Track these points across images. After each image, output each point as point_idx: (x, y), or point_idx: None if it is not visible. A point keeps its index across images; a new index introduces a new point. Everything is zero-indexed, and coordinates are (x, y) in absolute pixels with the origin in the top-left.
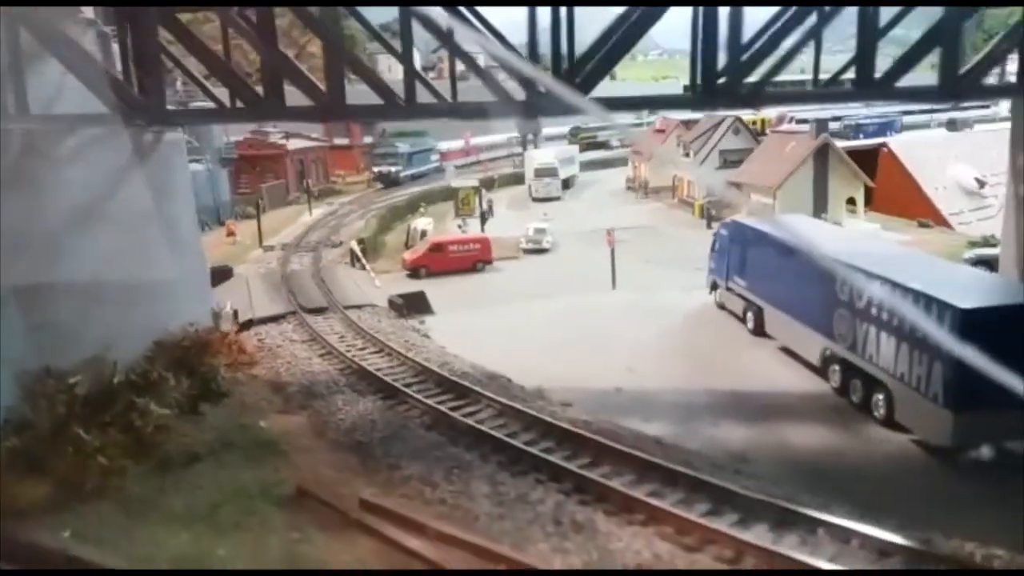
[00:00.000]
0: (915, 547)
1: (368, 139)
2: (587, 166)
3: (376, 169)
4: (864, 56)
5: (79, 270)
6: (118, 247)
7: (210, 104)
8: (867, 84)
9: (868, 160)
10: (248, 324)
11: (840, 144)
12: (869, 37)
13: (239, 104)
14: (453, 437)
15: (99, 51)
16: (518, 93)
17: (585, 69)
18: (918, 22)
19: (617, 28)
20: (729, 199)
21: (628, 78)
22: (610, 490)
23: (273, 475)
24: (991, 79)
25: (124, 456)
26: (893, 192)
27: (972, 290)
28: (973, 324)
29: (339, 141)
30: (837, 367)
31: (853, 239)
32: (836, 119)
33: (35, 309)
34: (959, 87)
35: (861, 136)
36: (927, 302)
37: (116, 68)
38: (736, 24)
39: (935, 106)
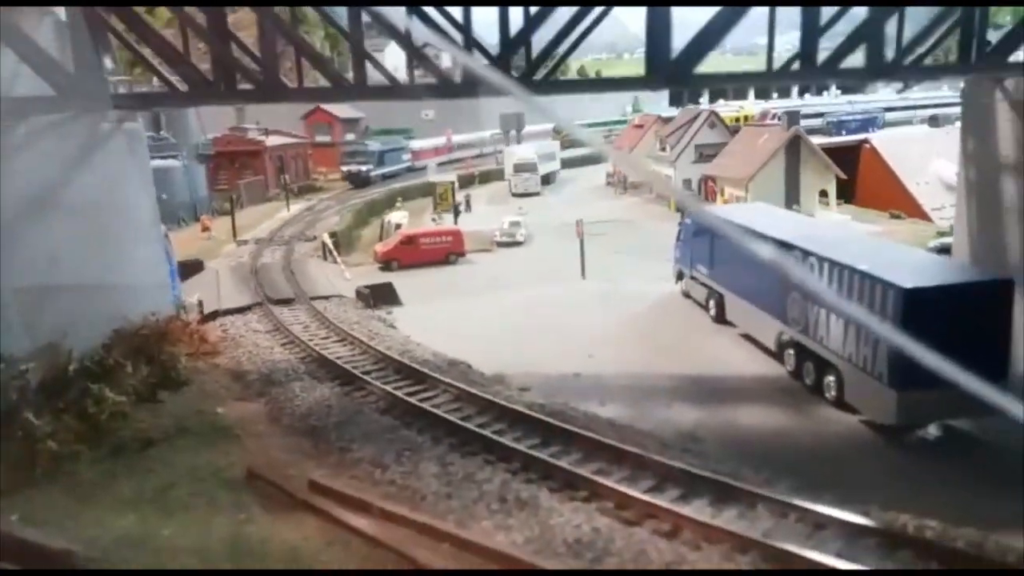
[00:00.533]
0: (848, 520)
1: (350, 136)
2: (569, 163)
3: (345, 168)
4: (807, 48)
5: (33, 258)
6: (74, 236)
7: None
8: (809, 69)
9: (850, 156)
10: (214, 315)
11: (822, 141)
12: (811, 33)
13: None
14: (407, 421)
15: (55, 39)
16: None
17: (543, 64)
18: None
19: (570, 28)
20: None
21: (615, 76)
22: (555, 468)
23: (224, 459)
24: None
25: (78, 442)
26: (875, 187)
27: (917, 271)
28: (916, 303)
29: (320, 139)
30: (791, 351)
31: (809, 225)
32: (819, 115)
33: None
34: (883, 69)
35: (843, 132)
36: (872, 282)
37: (70, 56)
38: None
39: (917, 102)
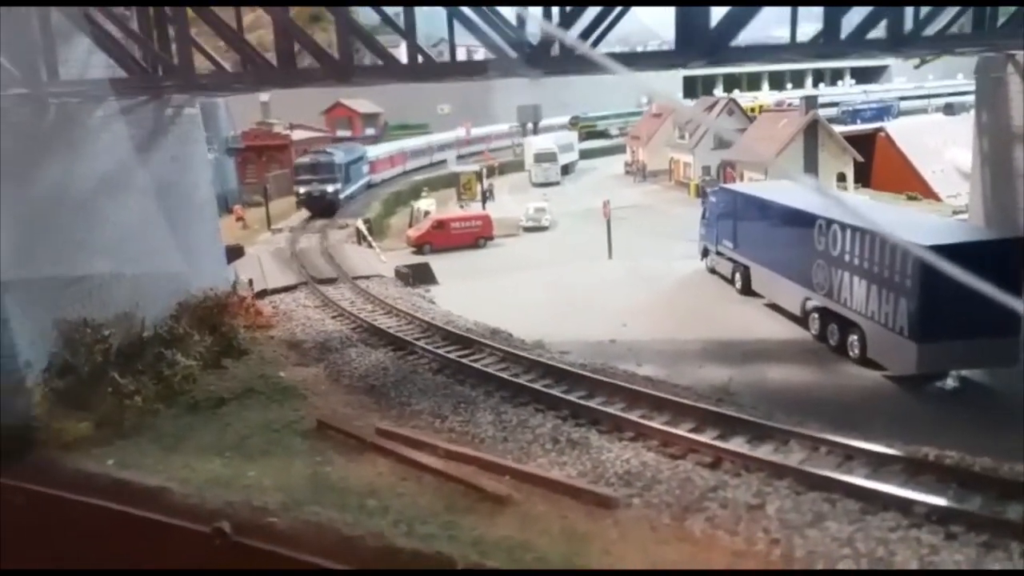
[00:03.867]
0: (874, 450)
1: (370, 131)
2: (586, 154)
3: (303, 191)
4: (830, 25)
5: (109, 232)
6: (143, 213)
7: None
8: (834, 43)
9: (865, 145)
10: (262, 293)
11: (838, 129)
12: (834, 12)
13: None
14: (459, 379)
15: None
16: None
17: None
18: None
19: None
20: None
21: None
22: (602, 414)
23: (294, 414)
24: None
25: (156, 400)
26: (891, 175)
27: (934, 231)
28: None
29: (341, 133)
30: (816, 315)
31: (833, 198)
32: (833, 104)
33: (71, 265)
34: (902, 40)
35: (858, 121)
36: (893, 243)
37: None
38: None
39: (932, 91)
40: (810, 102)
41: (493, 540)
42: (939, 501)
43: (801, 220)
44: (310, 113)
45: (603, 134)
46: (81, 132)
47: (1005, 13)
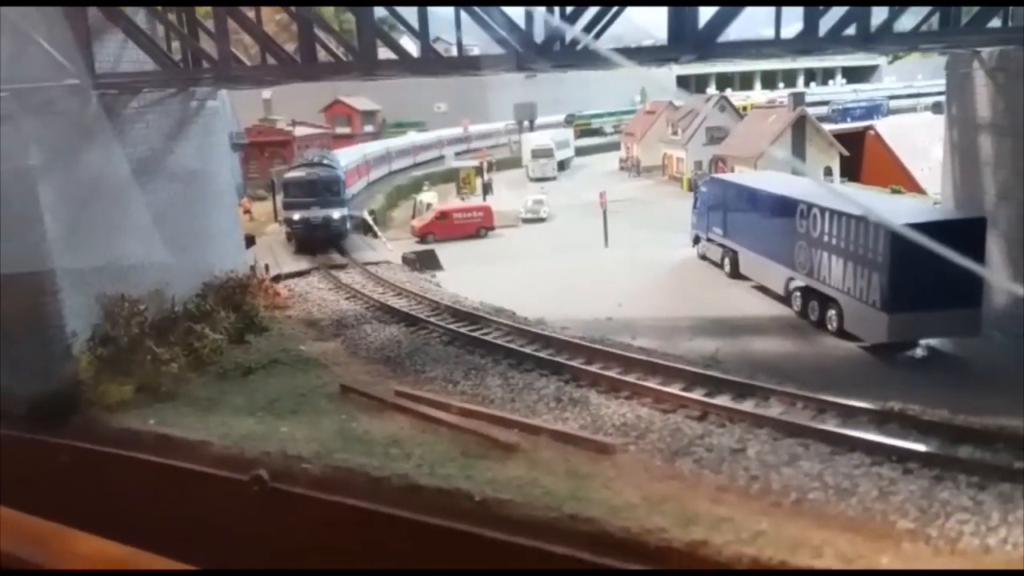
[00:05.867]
0: (845, 403)
1: (369, 128)
2: (581, 151)
3: (296, 217)
4: (809, 24)
5: (142, 216)
6: (171, 198)
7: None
8: (813, 38)
9: (855, 143)
10: (277, 278)
11: (828, 128)
12: (813, 13)
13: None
14: (469, 349)
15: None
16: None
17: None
18: None
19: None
20: None
21: (621, 69)
22: (601, 376)
23: (317, 380)
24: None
25: (188, 370)
26: (881, 172)
27: (904, 213)
28: (903, 240)
29: (341, 130)
30: (798, 293)
31: (811, 184)
32: (824, 103)
33: (109, 244)
34: (871, 37)
35: (848, 120)
36: (866, 224)
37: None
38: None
39: (920, 91)
40: (798, 99)
41: (505, 479)
42: (899, 443)
43: (784, 205)
44: (310, 111)
45: (598, 132)
46: (118, 122)
47: (969, 13)
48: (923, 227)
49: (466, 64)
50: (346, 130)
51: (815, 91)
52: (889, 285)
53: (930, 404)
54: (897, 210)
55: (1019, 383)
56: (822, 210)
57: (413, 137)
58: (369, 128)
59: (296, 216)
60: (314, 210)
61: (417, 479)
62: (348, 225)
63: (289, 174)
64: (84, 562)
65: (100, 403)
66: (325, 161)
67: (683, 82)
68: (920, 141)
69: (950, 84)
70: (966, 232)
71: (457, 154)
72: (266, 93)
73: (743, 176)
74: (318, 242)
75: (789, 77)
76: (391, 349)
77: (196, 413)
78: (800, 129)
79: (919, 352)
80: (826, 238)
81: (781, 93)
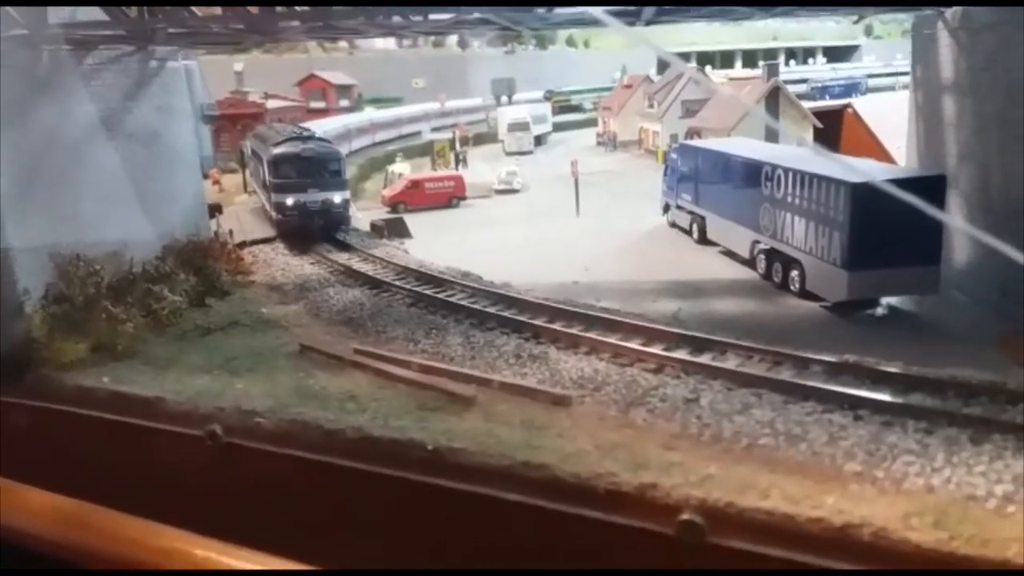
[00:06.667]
0: (801, 355)
1: (345, 103)
2: (560, 128)
3: (289, 202)
4: None
5: (100, 175)
6: (131, 158)
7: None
8: None
9: (833, 121)
10: (242, 244)
11: (807, 105)
12: None
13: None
14: (431, 310)
15: None
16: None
17: None
18: None
19: None
20: None
21: (602, 47)
22: (560, 333)
23: (276, 341)
24: None
25: (145, 331)
26: (858, 150)
27: (864, 172)
28: (862, 196)
29: (315, 104)
30: (762, 256)
31: (779, 149)
32: (803, 81)
33: (64, 203)
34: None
35: (827, 97)
36: (827, 182)
37: None
38: None
39: (899, 69)
40: (772, 70)
41: (461, 431)
42: (851, 391)
43: (750, 168)
44: (284, 84)
45: (577, 108)
46: (72, 79)
47: None
48: (880, 184)
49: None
50: (320, 104)
51: (795, 69)
52: (849, 243)
53: (886, 357)
54: (860, 169)
55: (968, 336)
56: (785, 171)
57: (398, 112)
58: (344, 103)
59: (289, 200)
60: (311, 193)
61: (371, 431)
62: (350, 211)
63: (278, 149)
64: (35, 516)
65: (54, 361)
66: (316, 135)
67: (663, 60)
68: (896, 119)
69: (915, 46)
70: (926, 189)
71: (434, 129)
72: (238, 65)
73: (711, 142)
74: (314, 231)
75: (770, 56)
76: (353, 311)
77: (152, 371)
78: (774, 101)
79: (879, 310)
80: (789, 199)
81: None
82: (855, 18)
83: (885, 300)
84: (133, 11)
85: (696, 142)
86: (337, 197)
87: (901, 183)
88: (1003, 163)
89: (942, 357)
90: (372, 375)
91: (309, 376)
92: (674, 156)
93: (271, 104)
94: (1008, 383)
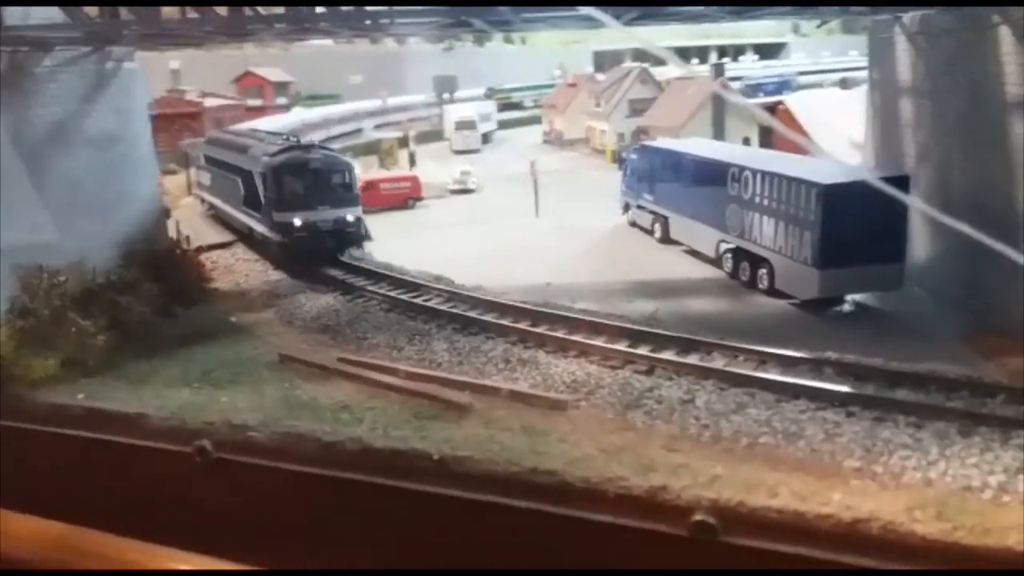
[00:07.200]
0: (785, 354)
1: (282, 100)
2: (502, 125)
3: (297, 222)
4: None
5: (61, 182)
6: (91, 164)
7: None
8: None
9: None
10: (199, 250)
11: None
12: None
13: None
14: (411, 316)
15: None
16: None
17: None
18: None
19: None
20: None
21: (539, 44)
22: (547, 337)
23: (253, 351)
24: None
25: (115, 343)
26: (791, 145)
27: (832, 174)
28: (831, 197)
29: (252, 102)
30: (729, 255)
31: (740, 149)
32: (737, 78)
33: (23, 212)
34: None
35: (760, 94)
36: (798, 184)
37: None
38: None
39: (828, 67)
40: (718, 70)
41: (462, 438)
42: (841, 388)
43: (715, 169)
44: (220, 82)
45: (517, 106)
46: (31, 82)
47: None
48: (850, 186)
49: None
50: (258, 102)
51: (729, 67)
52: (820, 242)
53: (863, 353)
54: (824, 170)
55: (935, 332)
56: (754, 172)
57: (324, 113)
58: (282, 100)
59: (298, 221)
60: (322, 211)
61: (372, 441)
62: (363, 230)
63: (278, 158)
64: (22, 543)
65: (23, 379)
66: (317, 143)
67: (600, 57)
68: (827, 115)
69: (872, 50)
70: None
71: (376, 126)
72: (174, 63)
73: (673, 143)
74: (325, 256)
75: (702, 53)
76: (329, 318)
77: (128, 386)
78: (720, 100)
79: (846, 307)
80: (757, 200)
81: (696, 69)
82: (818, 22)
83: (851, 296)
84: (94, 11)
85: (658, 142)
86: (350, 215)
87: (867, 184)
88: (964, 163)
89: (913, 350)
90: (360, 384)
91: (295, 387)
92: (634, 156)
93: (209, 103)
94: (983, 377)
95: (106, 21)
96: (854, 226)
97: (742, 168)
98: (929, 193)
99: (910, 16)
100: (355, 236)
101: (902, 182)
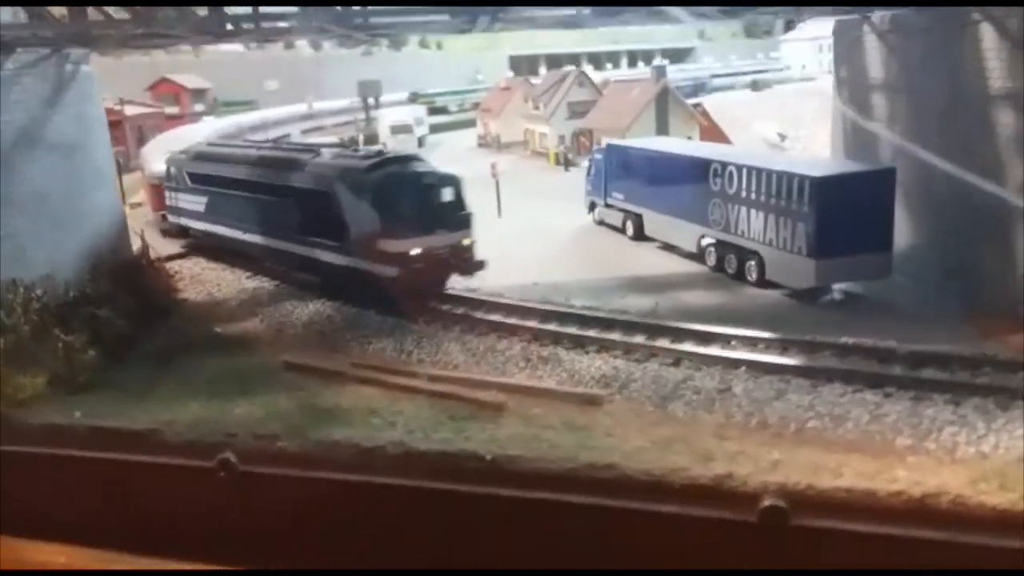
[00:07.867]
0: (806, 339)
1: (200, 107)
2: (435, 128)
3: (412, 252)
4: None
5: (28, 190)
6: (55, 174)
7: None
8: None
9: None
10: (160, 260)
11: None
12: None
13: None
14: (411, 317)
15: None
16: None
17: None
18: None
19: None
20: None
21: (455, 49)
22: (563, 335)
23: (251, 361)
24: None
25: (100, 357)
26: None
27: (821, 166)
28: (824, 188)
29: (170, 110)
30: (712, 249)
31: (713, 146)
32: None
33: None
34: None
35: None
36: (790, 178)
37: None
38: None
39: (739, 70)
40: (660, 72)
41: (506, 437)
42: (875, 370)
43: (695, 166)
44: (133, 90)
45: (442, 110)
46: None
47: None
48: (841, 178)
49: None
50: (174, 109)
51: (645, 70)
52: (816, 233)
53: (873, 338)
54: (811, 163)
55: (930, 315)
56: (739, 168)
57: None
58: (199, 107)
59: (412, 250)
60: (439, 235)
61: (415, 445)
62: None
63: (377, 173)
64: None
65: (11, 399)
66: (411, 155)
67: (516, 62)
68: (741, 116)
69: (838, 49)
70: (878, 181)
71: (304, 132)
72: (85, 68)
73: (643, 141)
74: (434, 288)
75: (613, 58)
76: (322, 324)
77: (129, 401)
78: (663, 102)
79: (836, 295)
80: (744, 194)
81: (613, 73)
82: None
83: (840, 285)
84: (59, 12)
85: (627, 142)
86: (466, 239)
87: (859, 176)
88: (942, 156)
89: (918, 335)
90: (380, 388)
91: (312, 395)
92: (599, 156)
93: (129, 111)
94: (998, 355)
95: (84, 22)
96: (846, 217)
97: (725, 164)
98: (905, 187)
99: (879, 16)
100: (474, 263)
101: (889, 175)
